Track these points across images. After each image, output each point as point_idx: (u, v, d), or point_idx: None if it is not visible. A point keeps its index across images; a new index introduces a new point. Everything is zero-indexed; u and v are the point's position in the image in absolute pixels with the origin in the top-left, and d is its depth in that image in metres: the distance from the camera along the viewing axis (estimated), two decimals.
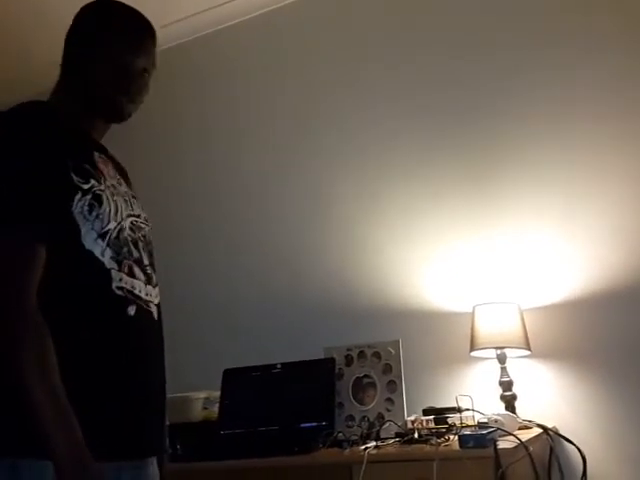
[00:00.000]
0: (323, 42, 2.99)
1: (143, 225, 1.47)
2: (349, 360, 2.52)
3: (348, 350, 2.53)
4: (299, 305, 2.84)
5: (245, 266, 3.00)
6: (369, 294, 2.73)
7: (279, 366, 2.57)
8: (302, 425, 2.38)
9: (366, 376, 2.48)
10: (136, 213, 1.45)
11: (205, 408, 2.58)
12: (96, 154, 1.42)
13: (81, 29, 1.46)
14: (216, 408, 2.56)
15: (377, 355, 2.48)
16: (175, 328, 3.13)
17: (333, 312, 2.76)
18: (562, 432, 2.29)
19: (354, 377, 2.49)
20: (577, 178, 2.47)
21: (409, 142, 2.75)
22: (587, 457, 2.22)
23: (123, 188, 1.46)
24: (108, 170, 1.43)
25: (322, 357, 2.56)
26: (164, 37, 3.20)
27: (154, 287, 1.45)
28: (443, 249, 2.64)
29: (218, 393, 2.59)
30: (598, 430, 2.33)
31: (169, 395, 2.57)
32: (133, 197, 1.48)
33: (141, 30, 1.48)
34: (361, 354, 2.51)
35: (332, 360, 2.52)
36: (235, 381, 2.60)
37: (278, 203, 2.98)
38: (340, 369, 2.51)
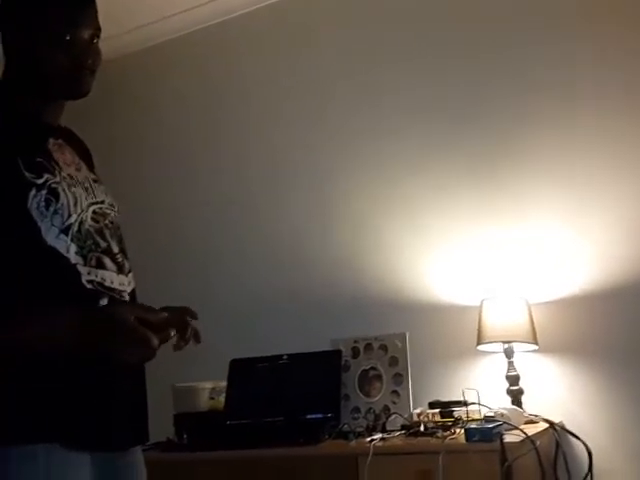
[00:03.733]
0: (330, 36, 2.97)
1: (108, 211, 1.40)
2: (356, 352, 2.52)
3: (355, 342, 2.54)
4: (306, 297, 2.83)
5: (252, 257, 3.01)
6: (376, 286, 2.73)
7: (286, 357, 2.58)
8: (308, 416, 2.39)
9: (372, 368, 2.48)
10: (99, 199, 1.38)
11: (212, 398, 2.58)
12: (51, 141, 1.36)
13: (9, 7, 1.35)
14: (222, 398, 2.56)
15: (384, 348, 2.48)
16: None
17: (340, 304, 2.76)
18: (568, 427, 2.29)
19: (360, 369, 2.49)
20: (587, 172, 2.45)
21: (418, 136, 2.74)
22: (593, 452, 2.22)
23: (83, 174, 1.39)
24: (64, 157, 1.36)
25: (329, 349, 2.56)
26: (168, 28, 3.25)
27: (127, 275, 1.38)
28: (451, 242, 2.63)
29: (225, 383, 2.59)
30: (605, 426, 2.32)
31: (176, 384, 2.60)
32: (95, 181, 1.41)
33: None
34: (368, 346, 2.51)
35: (339, 352, 2.52)
36: (242, 372, 2.60)
37: (285, 195, 2.97)
38: (346, 361, 2.52)
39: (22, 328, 1.18)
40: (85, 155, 1.48)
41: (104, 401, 1.30)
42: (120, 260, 1.37)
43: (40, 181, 1.27)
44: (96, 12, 1.40)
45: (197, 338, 1.36)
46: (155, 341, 1.17)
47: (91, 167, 1.48)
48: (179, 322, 1.32)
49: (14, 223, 1.23)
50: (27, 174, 1.25)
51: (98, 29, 1.39)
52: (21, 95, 1.37)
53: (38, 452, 1.21)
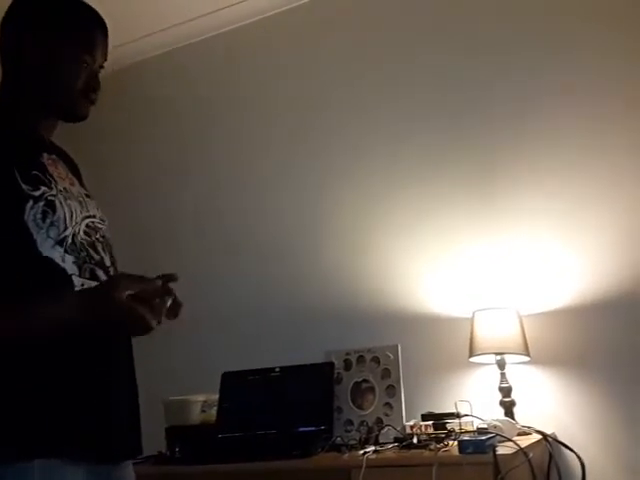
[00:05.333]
0: (324, 44, 2.98)
1: (100, 225, 1.42)
2: (348, 364, 2.52)
3: (347, 354, 2.53)
4: (298, 309, 2.83)
5: (244, 270, 3.00)
6: (368, 298, 2.73)
7: (278, 370, 2.57)
8: (301, 429, 2.38)
9: (365, 381, 2.47)
10: (91, 214, 1.40)
11: (203, 411, 2.57)
12: (45, 155, 1.38)
13: (29, 23, 1.37)
14: (214, 411, 2.55)
15: (376, 360, 2.48)
16: (174, 331, 3.12)
17: (332, 316, 2.75)
18: (561, 438, 2.29)
19: (353, 381, 2.49)
20: (578, 185, 2.46)
21: (409, 147, 2.75)
22: (586, 464, 2.22)
23: (76, 188, 1.41)
24: (59, 172, 1.38)
25: (321, 361, 2.56)
26: (160, 42, 3.25)
27: None
28: (443, 254, 2.64)
29: (216, 396, 2.58)
30: (597, 437, 2.33)
31: (167, 397, 2.59)
32: (87, 196, 1.43)
33: (94, 26, 1.42)
34: (360, 359, 2.50)
35: (331, 364, 2.51)
36: (234, 384, 2.59)
37: (278, 207, 2.98)
38: (339, 373, 2.51)
39: (21, 311, 1.20)
40: (75, 171, 1.50)
41: (100, 413, 1.30)
42: (112, 274, 1.38)
43: (37, 193, 1.28)
44: (107, 46, 1.45)
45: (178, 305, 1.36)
46: (153, 322, 1.23)
47: (81, 183, 1.49)
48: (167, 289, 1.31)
49: (10, 234, 1.24)
50: (24, 186, 1.27)
51: (105, 61, 1.44)
52: (20, 108, 1.38)
53: (32, 467, 1.20)
